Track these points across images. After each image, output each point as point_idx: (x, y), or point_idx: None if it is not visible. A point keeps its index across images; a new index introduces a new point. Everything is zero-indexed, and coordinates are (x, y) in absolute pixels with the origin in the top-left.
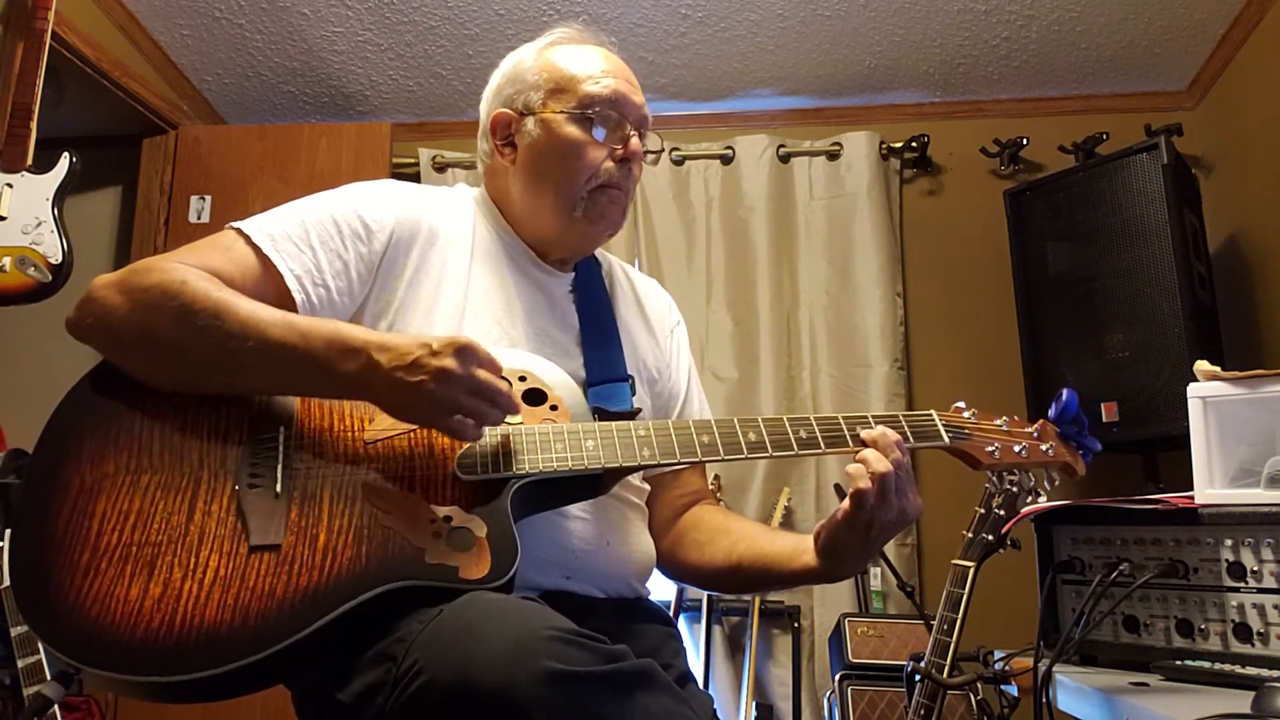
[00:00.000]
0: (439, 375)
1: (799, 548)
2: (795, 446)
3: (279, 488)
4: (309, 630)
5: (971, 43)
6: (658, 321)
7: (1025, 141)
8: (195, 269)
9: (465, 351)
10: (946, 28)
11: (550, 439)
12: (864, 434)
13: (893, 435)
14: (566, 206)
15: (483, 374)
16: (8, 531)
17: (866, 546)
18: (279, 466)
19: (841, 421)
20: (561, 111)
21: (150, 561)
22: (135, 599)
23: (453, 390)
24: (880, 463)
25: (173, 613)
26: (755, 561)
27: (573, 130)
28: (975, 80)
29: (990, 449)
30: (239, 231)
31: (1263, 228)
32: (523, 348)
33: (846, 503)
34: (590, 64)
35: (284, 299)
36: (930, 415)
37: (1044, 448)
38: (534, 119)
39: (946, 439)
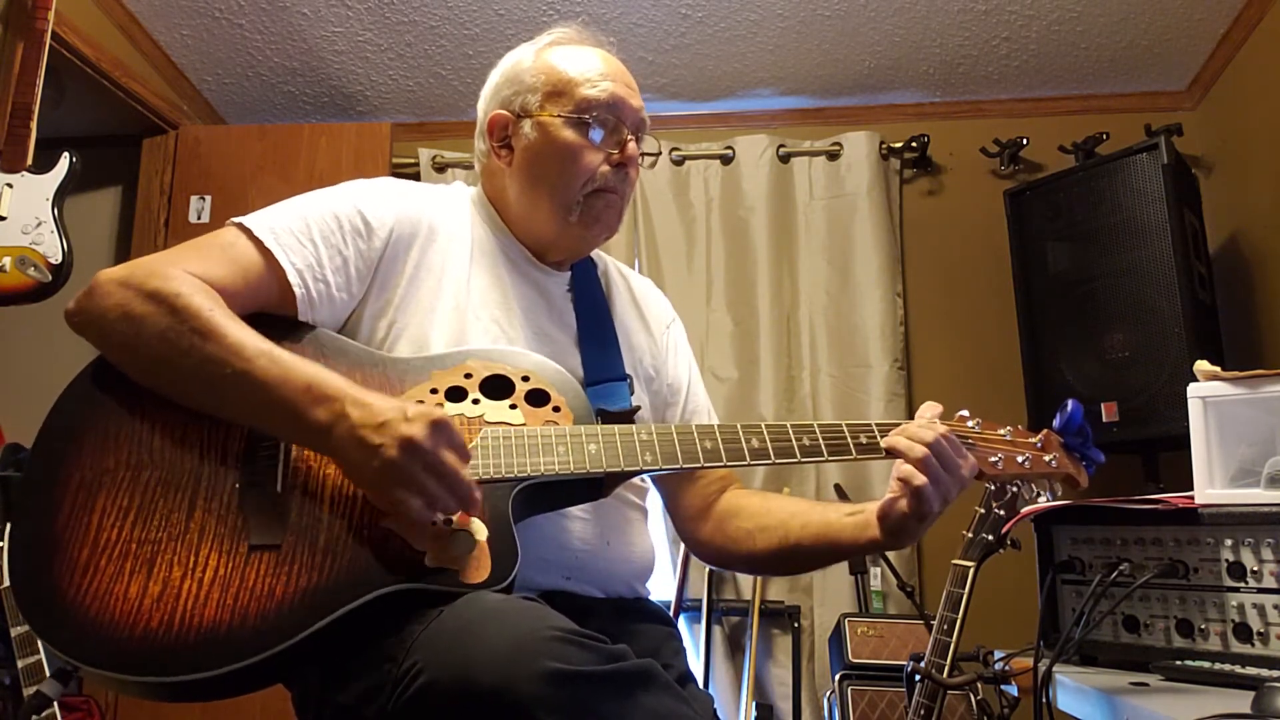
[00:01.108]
0: (404, 444)
1: (858, 522)
2: (799, 453)
3: (279, 486)
4: (308, 633)
5: (971, 43)
6: (654, 320)
7: (1025, 141)
8: (196, 280)
9: (439, 427)
10: (946, 28)
11: (553, 441)
12: (886, 442)
13: (922, 427)
14: (562, 210)
15: (449, 456)
16: (7, 528)
17: (928, 519)
18: (280, 465)
19: (845, 429)
20: (559, 115)
21: (150, 559)
22: (134, 597)
23: (412, 463)
24: (914, 449)
25: (172, 612)
26: (815, 541)
27: (569, 134)
28: (975, 80)
29: (994, 459)
30: (241, 226)
31: (1263, 228)
32: (521, 347)
33: (908, 501)
34: (588, 67)
35: (285, 293)
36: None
37: (1047, 459)
38: (531, 121)
39: None
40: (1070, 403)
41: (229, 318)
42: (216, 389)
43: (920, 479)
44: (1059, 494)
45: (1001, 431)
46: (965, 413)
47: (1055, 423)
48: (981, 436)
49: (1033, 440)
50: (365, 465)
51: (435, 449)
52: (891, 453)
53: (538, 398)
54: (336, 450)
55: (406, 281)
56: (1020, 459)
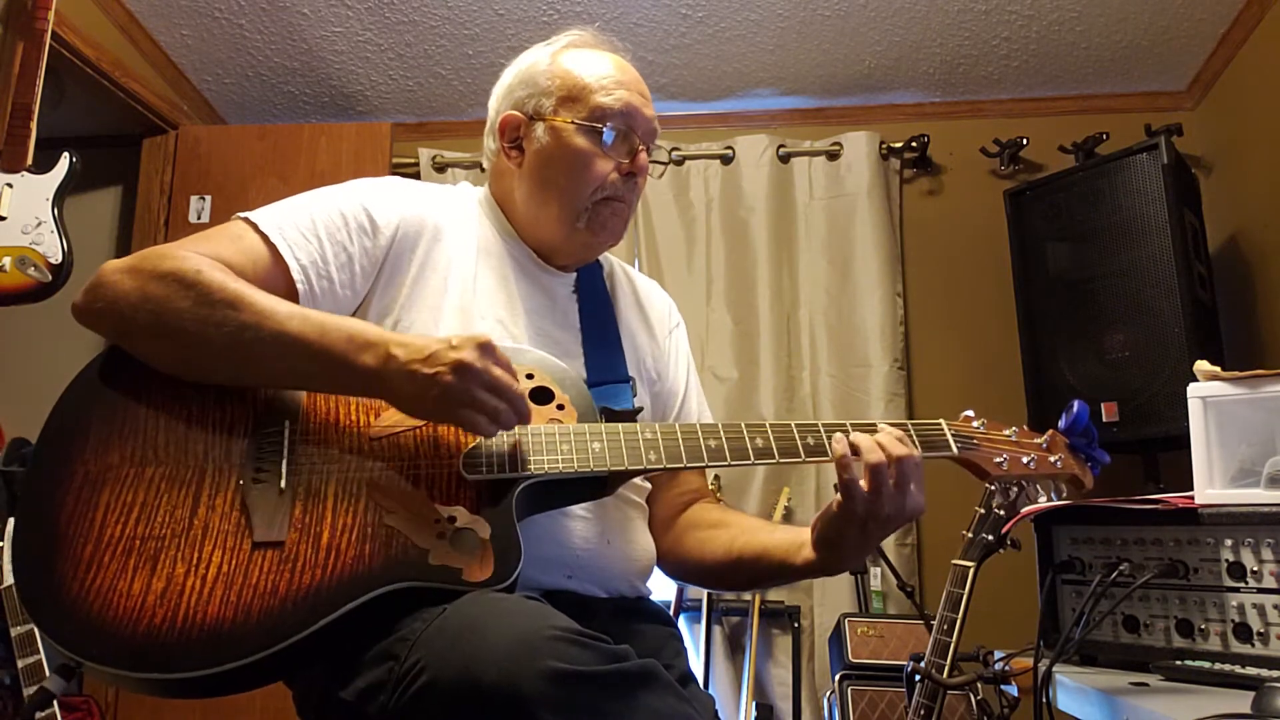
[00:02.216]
0: (456, 368)
1: (798, 540)
2: (802, 453)
3: (283, 483)
4: (311, 630)
5: (971, 43)
6: (658, 322)
7: (1025, 141)
8: (208, 258)
9: (484, 348)
10: (946, 28)
11: (556, 440)
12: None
13: (896, 433)
14: (570, 216)
15: (499, 372)
16: (9, 524)
17: (864, 540)
18: (284, 462)
19: (849, 428)
20: (572, 121)
21: (153, 555)
22: (138, 593)
23: (468, 384)
24: (874, 453)
25: (175, 608)
26: (755, 555)
27: (581, 141)
28: (975, 80)
29: (998, 460)
30: (247, 221)
31: (1263, 228)
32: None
33: (837, 494)
34: (604, 73)
35: (289, 289)
36: (939, 425)
37: (1052, 459)
38: (544, 125)
39: (955, 449)
40: (1075, 403)
41: (250, 286)
42: (255, 355)
43: (852, 472)
44: (1064, 494)
45: (1007, 432)
46: (970, 413)
47: (1060, 423)
48: (986, 437)
49: (1038, 441)
50: (424, 396)
51: (487, 367)
52: (854, 449)
53: (541, 395)
54: (390, 390)
55: (411, 280)
56: (1025, 459)
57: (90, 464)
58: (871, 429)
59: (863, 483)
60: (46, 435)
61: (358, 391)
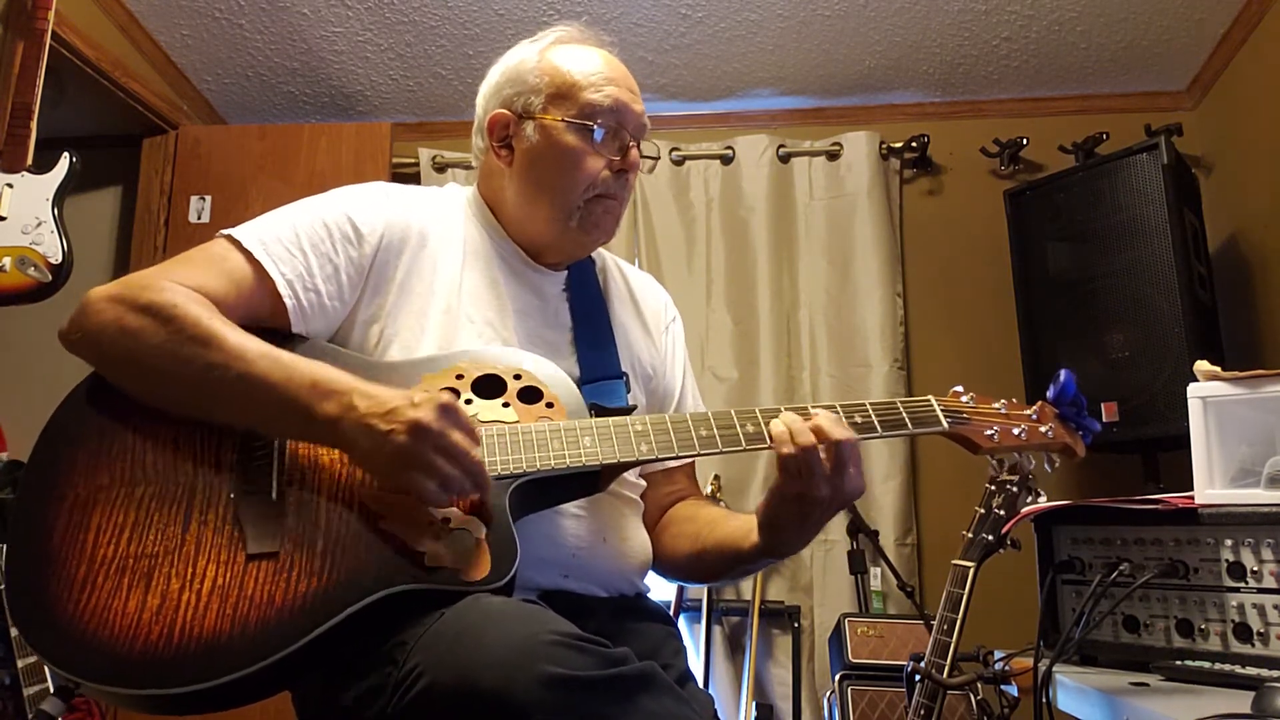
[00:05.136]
0: (412, 428)
1: (749, 525)
2: None
3: (275, 494)
4: (308, 638)
5: (971, 43)
6: (653, 318)
7: (1025, 141)
8: (189, 290)
9: (445, 409)
10: (946, 28)
11: (547, 437)
12: (771, 425)
13: (834, 417)
14: (562, 215)
15: (457, 436)
16: (4, 546)
17: (802, 521)
18: (274, 473)
19: (839, 411)
20: (562, 119)
21: (147, 573)
22: (133, 611)
23: (422, 446)
24: (804, 435)
25: (171, 624)
26: (715, 545)
27: (572, 139)
28: (975, 80)
29: (989, 432)
30: (230, 239)
31: (1263, 228)
32: (515, 349)
33: (779, 475)
34: (592, 70)
35: (276, 304)
36: (928, 401)
37: (1043, 429)
38: (533, 123)
39: (945, 424)
40: (1063, 372)
41: (226, 324)
42: (221, 395)
43: (789, 448)
44: (1057, 464)
45: (996, 405)
46: (959, 388)
47: (1049, 393)
48: (976, 411)
49: (1027, 413)
50: (377, 452)
51: (444, 431)
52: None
53: (530, 395)
54: (347, 441)
55: (397, 287)
56: (1015, 431)
57: (80, 486)
58: (861, 409)
59: (792, 457)
60: (35, 459)
61: (317, 440)
